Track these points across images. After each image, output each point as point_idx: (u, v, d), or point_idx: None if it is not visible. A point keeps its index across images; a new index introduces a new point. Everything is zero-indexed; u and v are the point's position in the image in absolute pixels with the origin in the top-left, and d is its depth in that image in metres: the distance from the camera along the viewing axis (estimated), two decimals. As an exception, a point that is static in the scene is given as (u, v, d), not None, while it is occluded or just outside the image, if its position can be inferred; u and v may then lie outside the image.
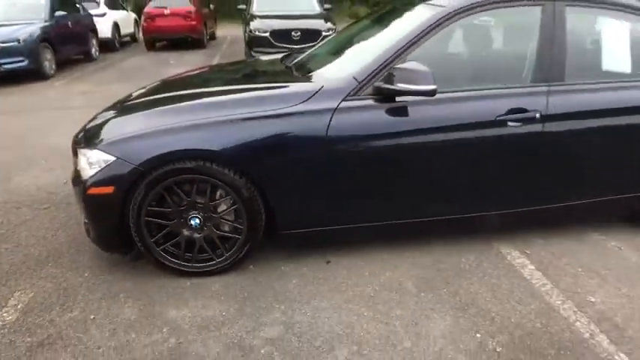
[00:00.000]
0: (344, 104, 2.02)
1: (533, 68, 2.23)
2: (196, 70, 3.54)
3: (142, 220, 2.07)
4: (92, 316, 1.98)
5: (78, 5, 10.24)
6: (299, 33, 7.54)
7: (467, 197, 2.29)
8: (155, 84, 2.96)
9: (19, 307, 2.05)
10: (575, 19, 2.31)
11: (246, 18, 8.85)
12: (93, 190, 2.03)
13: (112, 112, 2.45)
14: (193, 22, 11.81)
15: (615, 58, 2.37)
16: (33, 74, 7.85)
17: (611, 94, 2.31)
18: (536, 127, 2.17)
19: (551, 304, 2.03)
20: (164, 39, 12.39)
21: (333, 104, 2.01)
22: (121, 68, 9.38)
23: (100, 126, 2.28)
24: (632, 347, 1.77)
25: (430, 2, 2.34)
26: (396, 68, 1.97)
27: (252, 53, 7.52)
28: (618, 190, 2.45)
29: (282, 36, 7.47)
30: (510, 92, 2.18)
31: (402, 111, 2.08)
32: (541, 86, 2.20)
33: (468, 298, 2.06)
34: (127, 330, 1.89)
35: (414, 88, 1.92)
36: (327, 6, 9.66)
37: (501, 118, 2.12)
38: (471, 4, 2.18)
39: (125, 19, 13.26)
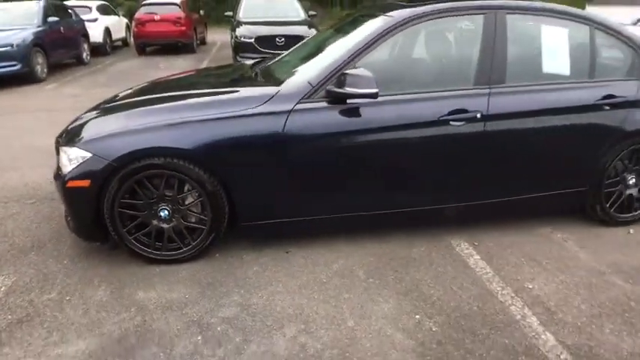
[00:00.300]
0: (299, 106, 2.28)
1: (475, 72, 2.49)
2: (178, 74, 3.80)
3: (116, 211, 2.31)
4: (68, 298, 2.21)
5: (70, 11, 10.51)
6: (283, 39, 7.83)
7: (417, 192, 2.55)
8: (137, 87, 3.21)
9: (2, 289, 2.27)
10: (516, 26, 2.59)
11: (233, 24, 9.15)
12: (71, 184, 2.27)
13: (93, 113, 2.70)
14: (183, 28, 12.12)
15: (555, 62, 2.64)
16: (25, 77, 8.11)
17: (550, 95, 2.58)
18: (478, 126, 2.42)
19: (490, 289, 2.27)
20: (154, 44, 12.70)
21: (289, 106, 2.27)
22: (111, 72, 9.64)
23: (81, 126, 2.52)
24: (559, 328, 2.00)
25: (383, 13, 2.61)
26: (346, 73, 2.23)
27: (238, 58, 7.80)
28: (559, 185, 2.72)
29: (266, 42, 7.76)
30: (453, 94, 2.45)
31: (353, 112, 2.33)
32: (483, 88, 2.46)
33: (412, 284, 2.30)
34: (98, 309, 2.12)
35: (359, 91, 2.18)
36: (311, 12, 10.00)
37: (444, 118, 2.38)
38: (416, 14, 2.46)
39: (117, 24, 13.56)
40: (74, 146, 2.30)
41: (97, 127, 2.42)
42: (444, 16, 2.51)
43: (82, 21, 10.89)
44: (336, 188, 2.44)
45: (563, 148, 2.64)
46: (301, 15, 9.44)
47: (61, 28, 9.37)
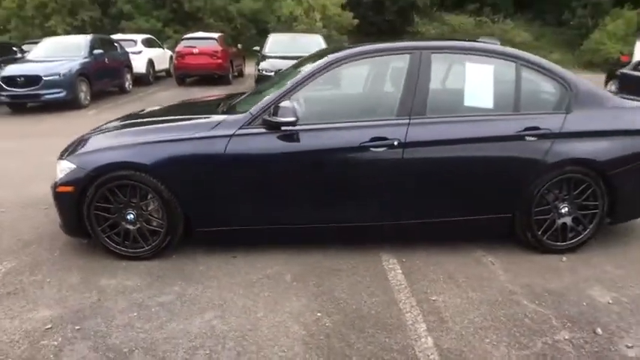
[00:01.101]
0: (240, 131, 2.87)
1: (398, 105, 2.96)
2: (172, 104, 4.57)
3: (92, 213, 2.97)
4: (48, 280, 2.87)
5: (116, 44, 12.03)
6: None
7: (345, 209, 3.02)
8: (134, 112, 3.97)
9: (2, 270, 2.98)
10: (440, 64, 3.06)
11: (258, 58, 10.11)
12: (60, 189, 2.98)
13: (89, 134, 3.44)
14: (219, 61, 13.38)
15: (477, 96, 3.04)
16: (70, 104, 9.42)
17: (470, 126, 2.99)
18: (397, 152, 2.87)
19: (395, 299, 2.66)
20: (193, 75, 14.07)
21: (231, 131, 2.86)
22: (149, 100, 10.83)
23: (75, 143, 3.26)
24: (442, 334, 2.35)
25: (331, 53, 3.18)
26: (278, 106, 2.80)
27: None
28: (482, 211, 3.07)
29: (286, 74, 8.56)
30: (376, 124, 2.93)
31: (288, 137, 2.88)
32: (403, 119, 2.92)
33: (327, 289, 2.75)
34: (67, 290, 2.75)
35: (281, 120, 2.76)
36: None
37: (365, 144, 2.86)
38: (349, 54, 3.03)
39: (160, 56, 15.15)
40: (64, 159, 3.03)
41: (86, 145, 3.14)
42: (375, 56, 3.05)
43: (127, 53, 12.37)
44: (273, 202, 2.97)
45: (484, 174, 3.00)
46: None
47: (105, 60, 10.77)
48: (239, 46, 16.53)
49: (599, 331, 2.37)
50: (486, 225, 3.14)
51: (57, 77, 9.03)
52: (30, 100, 9.26)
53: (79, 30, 20.91)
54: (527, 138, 2.98)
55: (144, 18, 22.80)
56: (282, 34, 12.69)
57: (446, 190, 3.02)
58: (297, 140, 2.89)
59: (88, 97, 9.99)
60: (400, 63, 3.05)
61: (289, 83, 2.96)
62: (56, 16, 20.80)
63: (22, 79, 8.85)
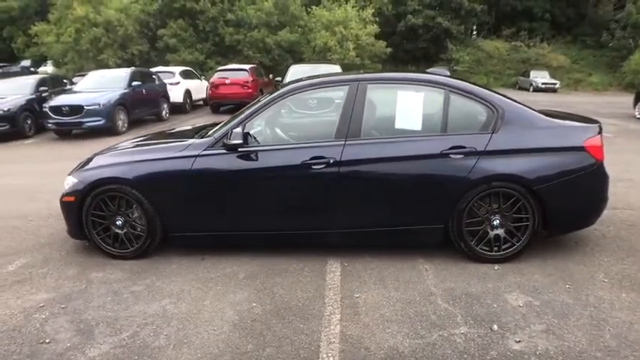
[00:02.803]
0: (204, 152, 3.50)
1: (337, 129, 3.48)
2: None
3: (89, 219, 3.68)
4: (51, 272, 3.58)
5: (154, 76, 13.34)
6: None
7: (293, 218, 3.55)
8: (140, 136, 4.73)
9: (17, 264, 3.74)
10: (375, 93, 3.57)
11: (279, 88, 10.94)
12: (64, 199, 3.73)
13: (96, 154, 4.20)
14: (250, 90, 14.44)
15: (407, 120, 3.49)
16: (108, 131, 10.60)
17: (399, 146, 3.43)
18: (334, 169, 3.39)
19: (323, 295, 3.10)
20: (227, 104, 15.19)
21: (197, 152, 3.51)
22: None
23: (83, 162, 4.02)
24: (351, 324, 2.74)
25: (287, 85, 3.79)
26: (232, 130, 3.43)
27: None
28: (415, 222, 3.48)
29: (300, 103, 9.32)
30: (316, 145, 3.48)
31: (244, 157, 3.47)
32: (340, 141, 3.44)
33: (270, 285, 3.26)
34: (64, 280, 3.44)
35: (231, 142, 3.38)
36: None
37: (306, 162, 3.40)
38: (297, 87, 3.65)
39: (198, 86, 16.47)
40: (70, 175, 3.78)
41: (89, 163, 3.88)
42: (319, 88, 3.64)
43: (164, 84, 13.66)
44: (233, 212, 3.56)
45: (414, 188, 3.43)
46: None
47: (143, 91, 12.01)
48: (270, 76, 17.66)
49: (495, 327, 2.72)
50: (421, 235, 3.54)
51: (97, 107, 10.26)
52: (73, 127, 10.54)
53: (129, 62, 23.02)
54: (453, 156, 3.38)
55: (188, 51, 24.70)
56: (302, 64, 13.58)
57: (380, 202, 3.47)
58: (253, 159, 3.48)
59: (126, 125, 11.17)
60: (340, 93, 3.60)
61: (247, 111, 3.59)
62: (108, 49, 23.04)
63: (67, 108, 10.16)
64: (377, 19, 24.50)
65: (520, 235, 3.49)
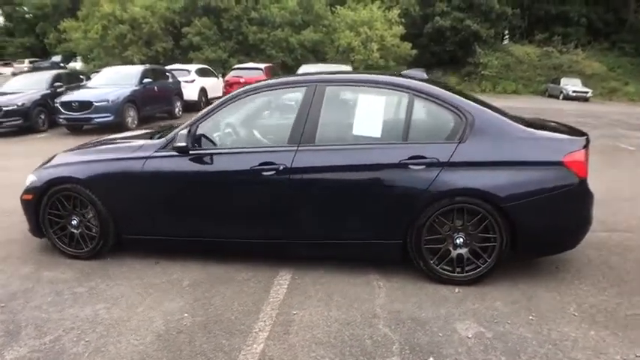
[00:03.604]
0: (155, 154, 3.45)
1: (290, 133, 3.33)
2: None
3: (46, 217, 3.70)
4: (5, 269, 3.61)
5: (168, 74, 13.54)
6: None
7: (244, 225, 3.44)
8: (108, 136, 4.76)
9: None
10: (334, 96, 3.37)
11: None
12: (23, 197, 3.76)
13: (60, 152, 4.22)
14: (262, 89, 14.46)
15: (366, 126, 3.29)
16: (118, 127, 10.79)
17: (355, 154, 3.23)
18: (284, 176, 3.25)
19: (260, 309, 2.97)
20: (240, 102, 15.27)
21: (148, 154, 3.46)
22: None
23: (45, 160, 4.05)
24: (276, 343, 2.62)
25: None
26: (178, 133, 3.36)
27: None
28: (371, 235, 3.29)
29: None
30: (267, 150, 3.37)
31: (196, 160, 3.40)
32: (292, 146, 3.29)
33: (210, 295, 3.17)
34: (15, 278, 3.46)
35: (176, 145, 3.32)
36: None
37: (255, 168, 3.28)
38: (251, 88, 3.53)
39: (214, 85, 16.62)
40: (32, 173, 3.82)
41: (50, 161, 3.90)
42: (276, 89, 3.51)
43: (178, 82, 13.85)
44: (183, 216, 3.50)
45: (370, 200, 3.23)
46: None
47: (155, 88, 12.20)
48: (286, 75, 17.70)
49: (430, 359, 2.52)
50: (378, 250, 3.34)
51: (106, 103, 10.48)
52: (83, 122, 10.83)
53: (153, 60, 23.55)
54: (413, 167, 3.14)
55: (211, 49, 25.08)
56: (312, 65, 13.52)
57: (333, 213, 3.31)
58: (207, 163, 3.40)
59: (136, 121, 11.35)
60: (297, 95, 3.43)
61: (200, 113, 3.53)
62: (133, 46, 23.64)
63: (77, 104, 10.44)
64: (403, 20, 24.22)
65: (486, 256, 3.22)
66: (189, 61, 24.12)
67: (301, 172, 3.27)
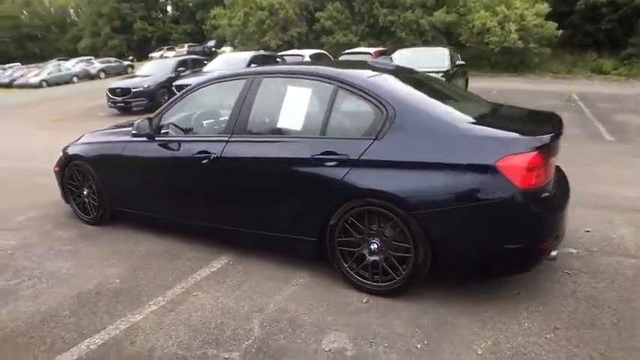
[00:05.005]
0: (133, 139, 4.01)
1: (226, 124, 3.54)
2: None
3: (67, 186, 4.63)
4: (35, 226, 4.64)
5: (278, 60, 14.47)
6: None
7: (189, 208, 3.81)
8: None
9: (26, 216, 4.93)
10: (268, 88, 3.45)
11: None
12: (54, 168, 4.74)
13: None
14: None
15: (290, 118, 3.28)
16: (152, 109, 11.82)
17: (275, 146, 3.27)
18: (215, 165, 3.46)
19: (162, 283, 3.34)
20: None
21: (127, 139, 4.06)
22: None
23: (77, 138, 4.97)
24: (155, 318, 2.92)
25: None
26: (135, 123, 3.88)
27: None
28: (289, 230, 3.31)
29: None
30: (205, 139, 3.64)
31: (163, 145, 3.84)
32: (224, 136, 3.49)
33: (150, 267, 3.63)
34: (36, 234, 4.45)
35: (135, 132, 3.87)
36: (458, 62, 10.56)
37: (195, 156, 3.56)
38: (201, 82, 3.85)
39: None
40: (62, 149, 4.77)
41: (76, 140, 4.77)
42: (223, 82, 3.74)
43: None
44: (147, 194, 4.08)
45: (286, 195, 3.27)
46: (444, 65, 10.12)
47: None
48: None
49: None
50: (295, 245, 3.35)
51: (142, 89, 12.66)
52: (125, 105, 13.03)
53: (289, 44, 25.13)
54: (325, 163, 3.02)
55: (342, 33, 25.62)
56: (409, 49, 12.94)
57: (255, 204, 3.44)
58: (167, 149, 3.82)
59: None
60: (238, 87, 3.57)
61: (166, 103, 3.99)
62: (271, 32, 25.45)
63: (119, 90, 12.83)
64: (549, -4, 21.39)
65: (403, 267, 2.93)
66: (321, 46, 25.11)
67: (227, 162, 3.45)
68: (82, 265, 3.74)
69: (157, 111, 4.00)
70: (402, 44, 21.46)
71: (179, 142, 3.82)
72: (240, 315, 2.98)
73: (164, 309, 3.08)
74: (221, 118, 3.87)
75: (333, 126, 3.14)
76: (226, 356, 2.59)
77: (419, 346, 2.62)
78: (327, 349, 2.62)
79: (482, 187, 2.71)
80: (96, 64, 31.89)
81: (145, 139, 3.96)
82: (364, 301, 3.07)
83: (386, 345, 2.64)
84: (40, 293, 3.34)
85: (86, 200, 4.55)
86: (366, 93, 3.06)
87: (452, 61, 10.30)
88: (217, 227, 3.74)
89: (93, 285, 3.43)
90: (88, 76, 29.53)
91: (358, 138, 3.05)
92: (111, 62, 32.73)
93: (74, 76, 28.99)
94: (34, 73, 29.45)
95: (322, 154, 3.05)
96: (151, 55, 38.11)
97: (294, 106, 3.32)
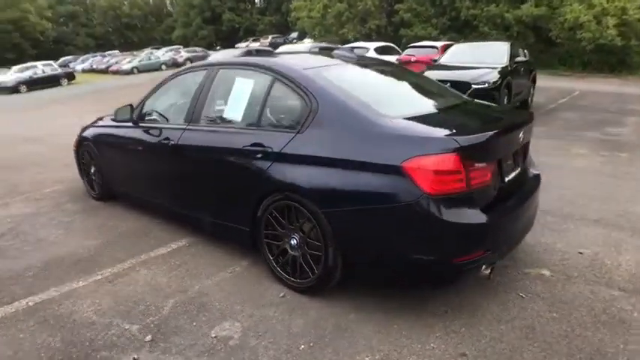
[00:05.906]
0: (121, 125, 4.44)
1: (186, 113, 3.79)
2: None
3: (81, 165, 5.28)
4: (55, 197, 5.37)
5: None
6: (448, 83, 7.94)
7: (161, 193, 4.18)
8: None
9: (52, 189, 5.71)
10: (222, 79, 3.63)
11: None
12: (74, 147, 5.41)
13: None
14: (430, 68, 14.12)
15: (233, 109, 3.44)
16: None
17: (215, 137, 3.48)
18: (174, 151, 3.73)
19: (124, 260, 3.68)
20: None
21: (118, 123, 4.50)
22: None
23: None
24: (98, 284, 3.30)
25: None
26: (115, 110, 4.32)
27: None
28: (228, 219, 3.46)
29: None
30: (168, 127, 3.92)
31: (145, 131, 4.16)
32: (183, 125, 3.75)
33: (117, 243, 4.04)
34: (50, 206, 5.16)
35: (116, 117, 4.30)
36: (519, 59, 9.84)
37: (162, 142, 3.86)
38: (174, 72, 4.20)
39: (392, 63, 16.94)
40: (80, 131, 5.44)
41: (93, 123, 5.39)
42: (193, 72, 4.01)
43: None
44: (128, 176, 4.56)
45: (224, 184, 3.43)
46: (502, 61, 9.42)
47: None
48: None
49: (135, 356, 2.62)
50: (232, 234, 3.48)
51: None
52: None
53: (366, 37, 25.04)
54: (254, 155, 3.12)
55: (422, 26, 24.94)
56: (467, 43, 12.19)
57: (199, 191, 3.71)
58: (147, 134, 4.13)
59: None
60: (200, 77, 3.77)
61: (148, 92, 4.36)
62: (349, 24, 25.52)
63: None
64: (663, -14, 18.91)
65: (317, 266, 2.91)
66: (400, 39, 24.69)
67: (181, 149, 3.73)
68: (69, 235, 4.29)
69: (141, 98, 4.41)
70: (484, 40, 20.35)
71: (149, 128, 4.16)
72: (163, 293, 3.23)
73: (105, 280, 3.45)
74: (186, 107, 4.00)
75: (266, 117, 3.23)
76: (126, 327, 2.88)
77: (302, 347, 2.61)
78: (213, 335, 2.74)
79: (388, 189, 2.57)
80: (183, 54, 34.60)
81: (123, 124, 4.40)
82: (281, 295, 3.13)
83: (271, 341, 2.67)
84: (21, 254, 3.92)
85: (93, 178, 5.15)
86: (296, 85, 3.07)
87: (512, 57, 9.63)
88: (177, 211, 4.08)
89: (65, 253, 3.93)
90: (175, 65, 31.62)
91: (283, 131, 3.09)
92: (197, 52, 35.26)
93: (163, 64, 31.68)
94: (127, 60, 32.70)
95: (251, 145, 3.16)
96: (237, 45, 40.10)
97: (239, 97, 3.47)
